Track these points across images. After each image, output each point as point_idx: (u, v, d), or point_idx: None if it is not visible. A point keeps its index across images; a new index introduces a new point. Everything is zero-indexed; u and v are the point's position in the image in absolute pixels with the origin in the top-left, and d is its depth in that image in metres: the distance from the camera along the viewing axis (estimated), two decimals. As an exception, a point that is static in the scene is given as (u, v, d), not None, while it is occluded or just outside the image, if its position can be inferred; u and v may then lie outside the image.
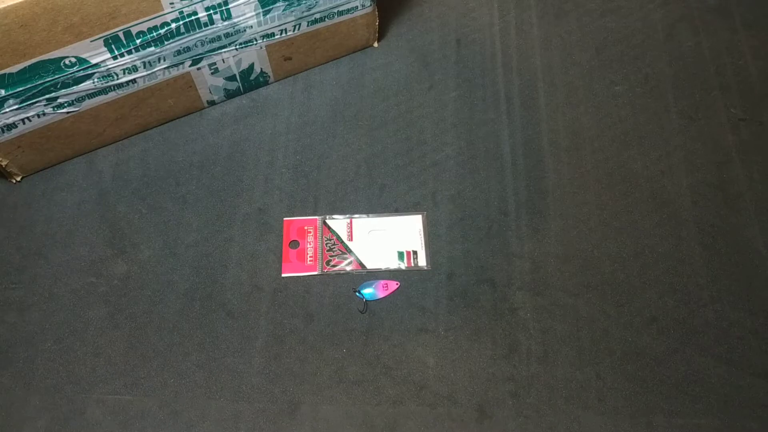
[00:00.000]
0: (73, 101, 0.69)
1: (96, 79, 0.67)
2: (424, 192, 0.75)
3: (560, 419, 0.64)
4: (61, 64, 0.64)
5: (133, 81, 0.70)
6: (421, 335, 0.68)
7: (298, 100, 0.81)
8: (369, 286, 0.70)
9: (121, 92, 0.71)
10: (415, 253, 0.72)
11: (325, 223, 0.74)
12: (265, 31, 0.73)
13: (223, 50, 0.73)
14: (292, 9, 0.72)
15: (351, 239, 0.73)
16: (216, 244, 0.73)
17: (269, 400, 0.65)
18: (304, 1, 0.72)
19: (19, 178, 0.76)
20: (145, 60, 0.68)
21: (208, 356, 0.67)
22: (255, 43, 0.74)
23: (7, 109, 0.66)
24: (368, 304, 0.70)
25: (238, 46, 0.73)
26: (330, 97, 0.81)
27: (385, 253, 0.72)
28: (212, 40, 0.71)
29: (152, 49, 0.67)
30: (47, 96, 0.66)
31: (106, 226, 0.74)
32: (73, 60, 0.64)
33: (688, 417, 0.64)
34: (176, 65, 0.71)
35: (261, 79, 0.80)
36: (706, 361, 0.66)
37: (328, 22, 0.77)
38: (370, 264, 0.72)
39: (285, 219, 0.74)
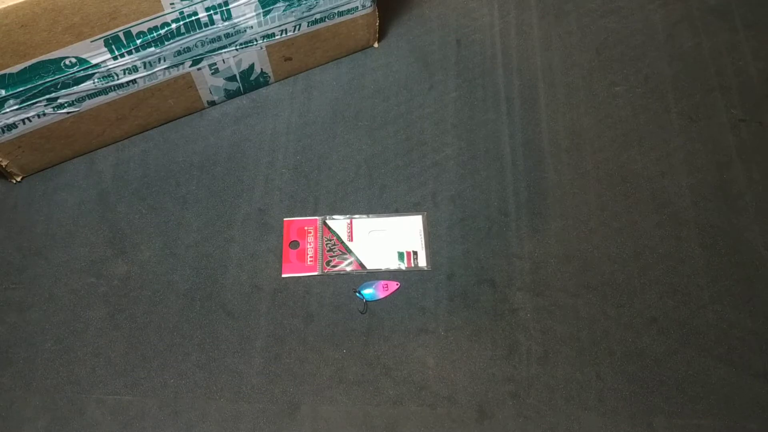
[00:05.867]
0: (73, 101, 0.69)
1: (96, 80, 0.67)
2: (425, 192, 0.75)
3: (560, 420, 0.64)
4: (62, 64, 0.64)
5: (134, 81, 0.70)
6: (421, 336, 0.68)
7: (298, 100, 0.81)
8: (369, 286, 0.70)
9: (121, 92, 0.71)
10: (415, 253, 0.72)
11: (325, 223, 0.74)
12: (265, 32, 0.73)
13: (224, 50, 0.73)
14: (293, 9, 0.72)
15: (351, 239, 0.73)
16: (216, 245, 0.73)
17: (269, 400, 0.65)
18: (304, 2, 0.72)
19: (19, 178, 0.76)
20: (146, 60, 0.68)
21: (208, 356, 0.67)
22: (255, 43, 0.74)
23: (8, 110, 0.66)
24: (368, 305, 0.70)
25: (238, 47, 0.73)
26: (330, 97, 0.81)
27: (385, 254, 0.72)
28: (212, 41, 0.71)
29: (152, 49, 0.67)
30: (47, 96, 0.66)
31: (106, 226, 0.74)
32: (74, 60, 0.64)
33: (688, 417, 0.64)
34: (176, 65, 0.71)
35: (261, 80, 0.80)
36: (706, 362, 0.66)
37: (328, 23, 0.77)
38: (371, 264, 0.72)
39: (285, 219, 0.74)
